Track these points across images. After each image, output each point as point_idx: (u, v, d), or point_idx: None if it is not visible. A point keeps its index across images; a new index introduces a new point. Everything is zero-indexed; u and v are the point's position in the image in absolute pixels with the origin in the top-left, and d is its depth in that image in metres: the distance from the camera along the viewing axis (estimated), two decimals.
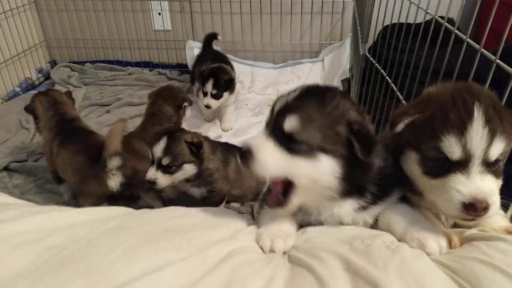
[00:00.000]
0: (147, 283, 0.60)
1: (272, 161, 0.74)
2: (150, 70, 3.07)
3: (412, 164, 0.76)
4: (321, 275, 0.64)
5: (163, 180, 1.37)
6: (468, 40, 1.04)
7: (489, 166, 0.68)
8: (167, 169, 1.37)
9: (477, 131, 0.67)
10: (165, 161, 1.35)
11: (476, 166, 0.68)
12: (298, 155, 0.73)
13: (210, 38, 2.49)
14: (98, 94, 2.71)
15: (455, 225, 0.86)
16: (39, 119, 1.69)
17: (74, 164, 1.49)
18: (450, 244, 0.74)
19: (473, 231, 0.76)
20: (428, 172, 0.73)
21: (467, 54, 1.03)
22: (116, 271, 0.62)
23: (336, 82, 2.38)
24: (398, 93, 1.47)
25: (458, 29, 1.15)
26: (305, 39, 2.91)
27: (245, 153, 0.75)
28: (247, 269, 0.67)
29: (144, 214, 0.86)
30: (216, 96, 2.17)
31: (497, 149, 0.68)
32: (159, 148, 1.35)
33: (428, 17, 1.31)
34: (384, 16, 1.70)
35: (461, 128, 0.67)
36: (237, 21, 2.91)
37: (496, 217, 0.79)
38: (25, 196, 1.72)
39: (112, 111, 2.47)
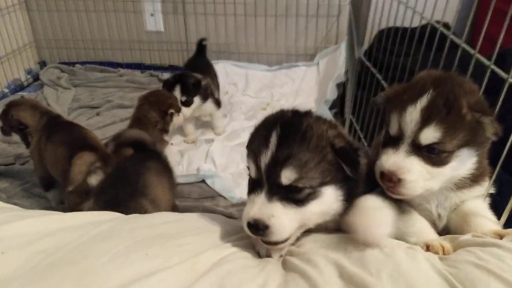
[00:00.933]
0: None
1: (288, 224, 0.71)
2: (142, 72, 3.03)
3: (380, 139, 0.86)
4: (315, 282, 0.63)
5: None
6: (463, 45, 1.04)
7: (420, 149, 0.74)
8: None
9: (412, 113, 0.74)
10: None
11: (405, 145, 0.75)
12: (305, 201, 0.71)
13: (200, 45, 2.44)
14: (88, 96, 2.66)
15: (448, 232, 0.87)
16: (28, 127, 1.62)
17: (58, 156, 1.49)
18: (444, 251, 0.74)
19: (466, 237, 0.77)
20: (382, 144, 0.81)
21: (463, 58, 1.02)
22: (106, 276, 0.61)
23: (331, 86, 2.37)
24: None
25: (453, 33, 1.14)
26: (300, 42, 2.90)
27: (254, 226, 0.70)
28: (239, 276, 0.65)
29: (134, 219, 0.84)
30: (187, 103, 2.03)
31: (428, 135, 0.73)
32: None
33: (424, 21, 1.30)
34: (380, 20, 1.70)
35: (402, 108, 0.75)
36: (231, 23, 2.89)
37: (486, 221, 0.81)
38: (12, 200, 1.68)
39: (102, 113, 2.43)
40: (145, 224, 0.81)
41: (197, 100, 2.06)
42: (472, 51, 0.99)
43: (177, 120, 1.92)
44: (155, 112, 1.82)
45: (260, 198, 0.70)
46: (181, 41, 2.98)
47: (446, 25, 1.23)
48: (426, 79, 0.79)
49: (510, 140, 0.80)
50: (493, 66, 0.90)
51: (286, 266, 0.73)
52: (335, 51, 2.70)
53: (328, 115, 2.19)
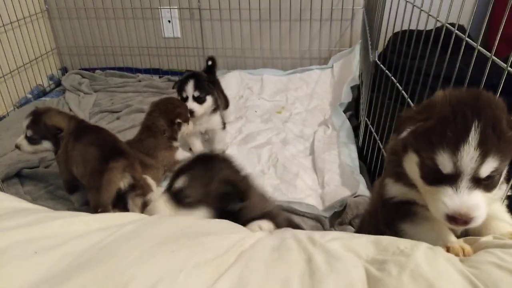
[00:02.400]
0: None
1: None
2: (160, 77, 3.10)
3: (412, 165, 0.80)
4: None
5: None
6: (479, 48, 1.04)
7: (479, 181, 0.72)
8: None
9: (469, 152, 0.70)
10: None
11: (464, 182, 0.72)
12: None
13: (208, 61, 2.33)
14: (108, 100, 2.74)
15: (467, 234, 0.87)
16: (63, 131, 1.65)
17: (87, 156, 1.52)
18: (464, 252, 0.74)
19: (487, 239, 0.77)
20: (423, 177, 0.78)
21: (478, 60, 1.03)
22: (132, 275, 0.63)
23: (346, 89, 2.37)
24: (409, 99, 1.47)
25: (469, 35, 1.15)
26: (315, 45, 2.92)
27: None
28: (261, 272, 0.67)
29: (158, 220, 0.87)
30: (199, 99, 1.91)
31: (488, 168, 0.71)
32: None
33: (438, 24, 1.31)
34: (394, 23, 1.71)
35: (454, 147, 0.71)
36: (247, 28, 2.93)
37: (504, 224, 0.83)
38: (37, 202, 1.74)
39: (122, 117, 2.50)
40: (168, 225, 0.84)
41: (209, 100, 1.96)
42: (488, 54, 1.00)
43: (186, 128, 1.89)
44: (164, 120, 1.80)
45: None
46: (197, 47, 3.04)
47: (461, 28, 1.24)
48: (456, 105, 0.74)
49: None
50: (510, 68, 0.90)
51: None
52: (349, 54, 2.72)
53: (343, 117, 2.20)
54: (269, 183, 1.86)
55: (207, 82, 1.96)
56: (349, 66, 2.59)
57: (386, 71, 1.72)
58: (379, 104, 1.80)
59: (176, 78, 2.97)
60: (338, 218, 1.56)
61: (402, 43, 1.69)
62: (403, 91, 1.54)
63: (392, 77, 1.66)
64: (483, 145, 0.69)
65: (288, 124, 2.36)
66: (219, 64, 3.07)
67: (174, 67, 3.15)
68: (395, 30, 1.98)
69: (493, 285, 0.61)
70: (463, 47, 1.12)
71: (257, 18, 2.87)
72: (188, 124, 1.89)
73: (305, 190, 1.79)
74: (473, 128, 0.70)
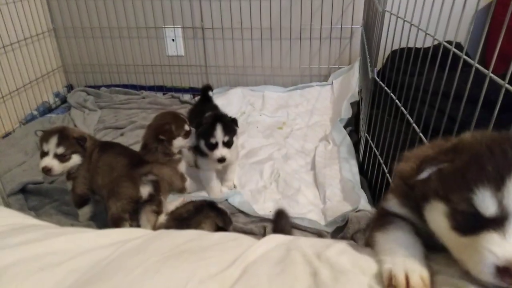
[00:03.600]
0: None
1: None
2: (164, 94, 3.15)
3: (438, 216, 0.67)
4: None
5: None
6: (477, 65, 1.07)
7: None
8: None
9: None
10: None
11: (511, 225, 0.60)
12: None
13: (206, 90, 2.25)
14: (113, 117, 2.78)
15: None
16: (87, 145, 1.70)
17: (115, 164, 1.63)
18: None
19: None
20: (457, 227, 0.64)
21: (475, 77, 1.06)
22: None
23: (346, 105, 2.41)
24: (408, 116, 1.50)
25: (466, 53, 1.18)
26: (315, 63, 2.97)
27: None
28: (264, 280, 0.68)
29: (162, 235, 0.88)
30: (229, 144, 1.80)
31: None
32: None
33: (436, 42, 1.34)
34: (393, 41, 1.75)
35: (498, 182, 0.60)
36: (248, 47, 2.99)
37: None
38: (41, 218, 1.74)
39: (126, 133, 2.53)
40: (171, 240, 0.85)
41: (235, 140, 1.86)
42: (486, 71, 1.02)
43: (180, 142, 1.83)
44: (153, 138, 1.77)
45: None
46: (200, 64, 3.09)
47: (458, 45, 1.27)
48: (491, 143, 0.66)
49: None
50: (508, 86, 0.92)
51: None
52: (348, 71, 2.76)
53: (343, 133, 2.23)
54: (271, 198, 1.87)
55: (230, 121, 1.84)
56: (349, 82, 2.63)
57: (385, 87, 1.75)
58: (378, 120, 1.83)
59: (180, 95, 3.05)
60: (340, 233, 1.56)
61: (401, 60, 1.72)
62: (402, 108, 1.57)
63: (391, 94, 1.69)
64: None
65: (289, 140, 2.39)
66: (222, 81, 3.12)
67: (178, 84, 3.20)
68: (394, 48, 2.02)
69: None
70: (460, 64, 1.15)
71: (259, 37, 2.93)
72: (183, 137, 1.83)
73: (307, 205, 1.80)
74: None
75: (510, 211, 0.59)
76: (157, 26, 3.02)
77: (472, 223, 0.61)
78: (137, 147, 2.15)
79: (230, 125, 1.81)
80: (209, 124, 1.77)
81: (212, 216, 1.35)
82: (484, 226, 0.60)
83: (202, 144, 1.81)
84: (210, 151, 1.79)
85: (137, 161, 1.66)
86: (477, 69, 1.06)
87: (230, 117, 1.86)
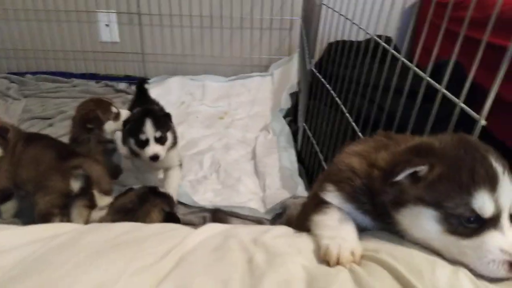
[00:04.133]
0: None
1: None
2: (97, 82, 2.98)
3: (426, 222, 0.68)
4: None
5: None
6: (403, 59, 1.15)
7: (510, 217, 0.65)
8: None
9: (506, 183, 0.63)
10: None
11: (506, 220, 0.64)
12: None
13: (141, 86, 2.08)
14: (40, 106, 2.57)
15: None
16: (9, 136, 1.56)
17: (42, 156, 1.51)
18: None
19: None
20: (454, 231, 0.65)
21: (403, 70, 1.13)
22: (68, 285, 0.61)
23: (285, 96, 2.46)
24: (342, 106, 1.56)
25: (395, 47, 1.25)
26: (255, 53, 2.99)
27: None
28: (202, 275, 0.67)
29: (94, 228, 0.84)
30: (161, 140, 1.63)
31: None
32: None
33: (368, 36, 1.42)
34: (329, 34, 1.81)
35: (492, 182, 0.63)
36: (188, 35, 2.92)
37: None
38: None
39: (55, 124, 2.36)
40: (105, 233, 0.82)
41: (170, 136, 1.69)
42: (410, 65, 1.09)
43: (111, 126, 1.75)
44: (82, 129, 1.69)
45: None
46: (136, 52, 2.97)
47: (389, 39, 1.35)
48: (468, 145, 0.69)
49: None
50: (428, 78, 1.00)
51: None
52: (288, 63, 2.82)
53: (282, 123, 2.28)
54: (211, 189, 1.87)
55: (162, 115, 1.69)
56: (288, 73, 2.69)
57: (322, 79, 1.81)
58: (316, 111, 1.89)
59: (114, 83, 2.90)
60: (279, 219, 1.60)
61: (336, 53, 1.79)
62: (337, 98, 1.63)
63: (327, 85, 1.75)
64: (509, 172, 0.65)
65: (230, 130, 2.39)
66: (160, 69, 3.03)
67: (112, 72, 3.05)
68: (330, 40, 2.10)
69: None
70: (389, 58, 1.22)
71: (199, 25, 2.88)
72: (113, 120, 1.75)
73: (247, 194, 1.82)
74: (493, 159, 0.65)
75: (503, 207, 0.63)
76: (88, 9, 2.84)
77: (472, 226, 0.64)
78: (67, 139, 2.03)
79: (162, 119, 1.65)
80: (138, 119, 1.62)
81: (159, 202, 1.29)
82: (484, 226, 0.63)
83: (132, 143, 1.64)
84: (141, 149, 1.62)
85: (66, 153, 1.55)
86: (404, 63, 1.14)
87: (163, 112, 1.72)
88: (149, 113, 1.63)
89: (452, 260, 0.66)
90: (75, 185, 1.50)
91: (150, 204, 1.26)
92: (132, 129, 1.63)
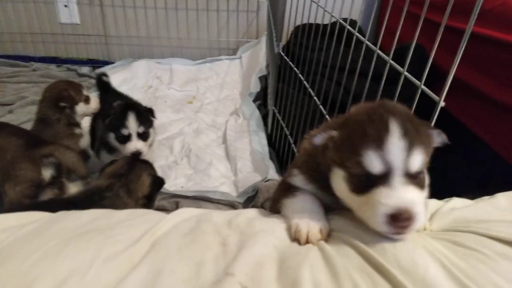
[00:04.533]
0: (74, 285, 0.59)
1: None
2: (58, 66, 2.86)
3: (339, 181, 0.74)
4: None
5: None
6: (367, 42, 1.17)
7: (411, 177, 0.68)
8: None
9: (395, 143, 0.67)
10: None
11: (397, 177, 0.67)
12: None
13: (100, 80, 1.89)
14: None
15: None
16: None
17: (7, 145, 1.45)
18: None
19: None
20: (354, 189, 0.71)
21: (368, 53, 1.16)
22: (36, 275, 0.60)
23: (254, 79, 2.46)
24: (310, 89, 1.59)
25: (360, 29, 1.28)
26: (223, 36, 2.95)
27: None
28: (175, 259, 0.68)
29: (63, 216, 0.83)
30: (144, 136, 1.57)
31: (417, 160, 0.68)
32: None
33: (334, 19, 1.43)
34: (295, 17, 1.81)
35: (379, 142, 0.67)
36: (152, 16, 2.84)
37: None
38: None
39: (15, 110, 2.26)
40: (75, 221, 0.80)
41: (152, 133, 1.64)
42: (374, 48, 1.12)
43: (82, 109, 1.73)
44: (53, 108, 1.67)
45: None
46: (99, 34, 2.86)
47: (354, 22, 1.37)
48: (369, 110, 0.73)
49: None
50: (391, 61, 1.03)
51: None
52: (256, 46, 2.81)
53: (252, 106, 2.28)
54: (182, 174, 1.86)
55: (146, 110, 1.62)
56: (257, 57, 2.68)
57: (290, 62, 1.83)
58: (284, 94, 1.91)
59: (77, 67, 2.80)
60: (251, 202, 1.63)
61: (303, 36, 1.80)
62: (304, 82, 1.65)
63: (295, 68, 1.77)
64: (406, 135, 0.67)
65: (200, 114, 2.37)
66: (124, 53, 2.94)
67: (74, 55, 2.93)
68: (297, 24, 2.10)
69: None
70: (353, 41, 1.25)
71: (163, 6, 2.80)
72: (84, 103, 1.73)
73: (219, 178, 1.83)
74: (391, 122, 0.68)
75: (393, 166, 0.67)
76: None
77: (365, 183, 0.69)
78: (30, 125, 1.95)
79: (145, 115, 1.59)
80: (119, 113, 1.54)
81: (146, 167, 1.35)
82: (374, 183, 0.68)
83: (111, 138, 1.56)
84: (121, 144, 1.55)
85: (35, 141, 1.49)
86: (368, 46, 1.17)
87: (145, 106, 1.66)
88: (131, 107, 1.57)
89: (361, 218, 0.72)
90: (47, 173, 1.45)
91: (139, 168, 1.32)
92: (114, 123, 1.54)
